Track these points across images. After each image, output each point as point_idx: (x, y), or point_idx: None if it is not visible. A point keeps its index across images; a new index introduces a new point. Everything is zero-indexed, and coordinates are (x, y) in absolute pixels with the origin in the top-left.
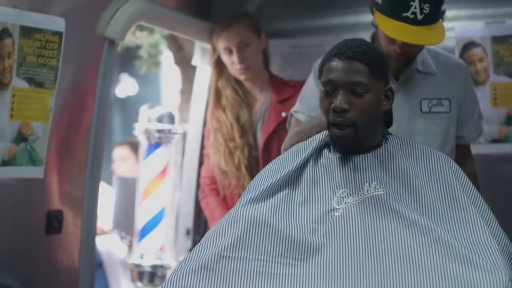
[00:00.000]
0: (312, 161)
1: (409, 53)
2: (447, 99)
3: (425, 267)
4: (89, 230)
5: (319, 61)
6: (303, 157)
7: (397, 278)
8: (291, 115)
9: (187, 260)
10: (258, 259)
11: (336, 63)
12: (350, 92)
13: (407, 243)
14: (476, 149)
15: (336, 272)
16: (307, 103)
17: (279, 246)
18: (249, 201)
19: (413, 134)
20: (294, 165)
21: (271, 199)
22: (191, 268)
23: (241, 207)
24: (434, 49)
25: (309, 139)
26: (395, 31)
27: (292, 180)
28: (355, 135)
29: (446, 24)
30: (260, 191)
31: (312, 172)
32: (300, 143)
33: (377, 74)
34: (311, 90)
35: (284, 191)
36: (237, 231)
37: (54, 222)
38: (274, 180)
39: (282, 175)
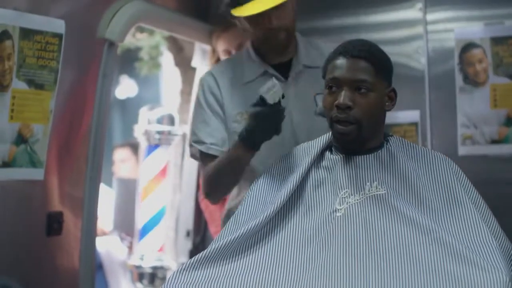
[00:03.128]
0: (314, 166)
1: (276, 24)
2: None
3: (425, 265)
4: (89, 232)
5: (206, 76)
6: (305, 166)
7: (398, 276)
8: (190, 145)
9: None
10: (257, 267)
11: (341, 61)
12: (354, 90)
13: (408, 242)
14: (475, 150)
15: (337, 270)
16: (208, 129)
17: (280, 255)
18: (247, 220)
19: (313, 133)
20: (298, 177)
21: (273, 217)
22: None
23: (240, 227)
24: (314, 40)
25: (311, 142)
26: (244, 10)
27: (295, 190)
28: (358, 133)
29: (446, 25)
30: (260, 212)
31: (314, 177)
32: (300, 146)
33: (381, 74)
34: (212, 113)
35: (286, 205)
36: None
37: (54, 223)
38: (278, 203)
39: (284, 194)
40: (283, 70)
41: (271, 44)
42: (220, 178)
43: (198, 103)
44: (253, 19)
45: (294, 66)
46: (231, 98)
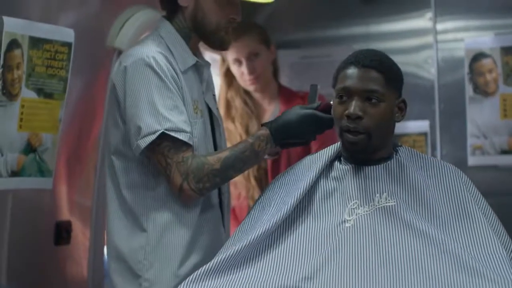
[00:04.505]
0: (323, 176)
1: (239, 20)
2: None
3: (435, 278)
4: (98, 241)
5: (158, 55)
6: (313, 174)
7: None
8: (163, 134)
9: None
10: (264, 274)
11: (352, 71)
12: (364, 100)
13: (417, 254)
14: (485, 160)
15: (346, 282)
16: (183, 117)
17: (288, 262)
18: (256, 224)
19: (220, 131)
20: (305, 186)
21: (281, 224)
22: None
23: (247, 232)
24: None
25: (319, 152)
26: None
27: (303, 198)
28: (368, 143)
29: (456, 35)
30: (268, 217)
31: (323, 187)
32: (309, 157)
33: (392, 84)
34: (175, 99)
35: (294, 213)
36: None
37: (63, 232)
38: (285, 210)
39: (292, 201)
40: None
41: (211, 36)
42: (238, 169)
43: (162, 85)
44: (224, 5)
45: (204, 66)
46: (184, 85)
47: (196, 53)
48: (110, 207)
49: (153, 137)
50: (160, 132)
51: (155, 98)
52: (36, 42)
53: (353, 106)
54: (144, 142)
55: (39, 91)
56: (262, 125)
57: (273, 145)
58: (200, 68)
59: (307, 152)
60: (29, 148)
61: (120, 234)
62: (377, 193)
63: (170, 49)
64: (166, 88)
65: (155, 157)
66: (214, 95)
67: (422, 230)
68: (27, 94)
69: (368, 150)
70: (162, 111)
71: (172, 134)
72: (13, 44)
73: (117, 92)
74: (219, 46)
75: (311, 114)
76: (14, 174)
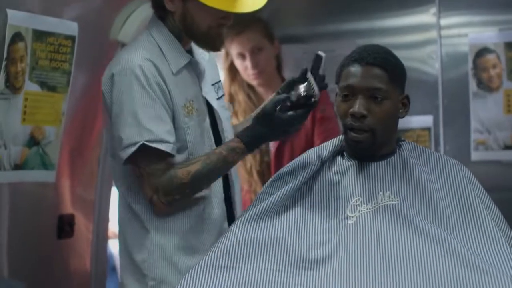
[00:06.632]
0: (326, 169)
1: (230, 23)
2: (220, 81)
3: (437, 275)
4: (101, 234)
5: (144, 63)
6: (315, 165)
7: (409, 286)
8: (143, 146)
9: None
10: (268, 268)
11: (356, 68)
12: (369, 97)
13: (420, 254)
14: (488, 155)
15: (347, 280)
16: (166, 127)
17: (290, 257)
18: (258, 215)
19: (222, 124)
20: (307, 174)
21: (282, 215)
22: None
23: (250, 222)
24: None
25: (322, 145)
26: (227, 3)
27: (304, 190)
28: (372, 141)
29: (460, 30)
30: (269, 203)
31: (325, 181)
32: (311, 150)
33: (395, 81)
34: (158, 108)
35: (296, 205)
36: (246, 250)
37: (66, 226)
38: (285, 191)
39: (293, 185)
40: None
41: (201, 38)
42: (209, 181)
43: (145, 95)
44: (212, 10)
45: (199, 62)
46: (174, 89)
47: (190, 48)
48: (118, 206)
49: (134, 148)
50: (140, 143)
51: (138, 108)
52: (39, 35)
53: (358, 105)
54: (125, 154)
55: (43, 84)
56: (236, 136)
57: (247, 155)
58: (194, 64)
59: (310, 145)
60: (32, 141)
61: (128, 233)
62: (381, 191)
63: (162, 50)
64: (150, 97)
65: (133, 166)
66: (218, 81)
67: (425, 229)
68: (31, 87)
69: (373, 147)
70: (143, 122)
71: (154, 145)
72: (17, 37)
73: (105, 99)
74: (211, 47)
75: (284, 120)
76: (17, 167)
